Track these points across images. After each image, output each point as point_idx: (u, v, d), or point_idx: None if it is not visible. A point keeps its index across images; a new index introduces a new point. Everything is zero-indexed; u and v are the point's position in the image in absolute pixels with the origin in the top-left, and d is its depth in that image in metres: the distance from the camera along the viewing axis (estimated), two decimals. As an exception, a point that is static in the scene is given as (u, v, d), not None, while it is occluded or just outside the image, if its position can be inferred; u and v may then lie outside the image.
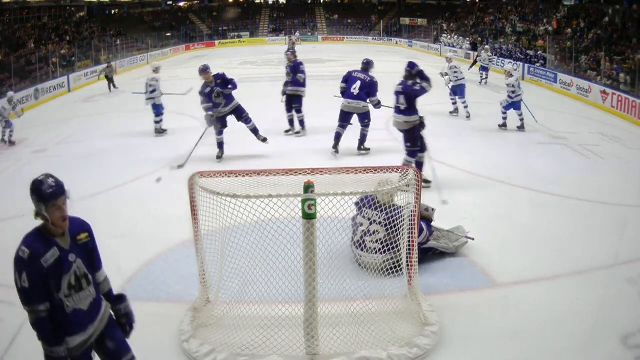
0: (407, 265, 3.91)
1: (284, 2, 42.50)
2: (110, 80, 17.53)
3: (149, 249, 4.88)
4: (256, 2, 42.44)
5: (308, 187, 3.20)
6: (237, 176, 3.63)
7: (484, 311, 3.92)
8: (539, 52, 19.30)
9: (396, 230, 3.93)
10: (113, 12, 35.60)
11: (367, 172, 3.73)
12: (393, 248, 3.99)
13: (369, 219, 4.45)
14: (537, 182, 6.74)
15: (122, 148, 8.89)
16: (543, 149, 8.61)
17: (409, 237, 3.87)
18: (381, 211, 4.30)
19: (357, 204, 4.51)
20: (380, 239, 4.28)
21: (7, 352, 3.46)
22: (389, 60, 23.49)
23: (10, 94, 11.16)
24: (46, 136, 10.20)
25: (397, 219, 3.94)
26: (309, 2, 42.13)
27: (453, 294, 4.14)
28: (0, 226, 5.61)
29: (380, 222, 4.33)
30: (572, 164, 7.80)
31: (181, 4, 40.93)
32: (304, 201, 3.18)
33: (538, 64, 17.97)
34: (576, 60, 16.41)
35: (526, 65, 17.82)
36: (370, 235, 4.37)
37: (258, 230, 3.61)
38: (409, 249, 3.89)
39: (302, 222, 3.22)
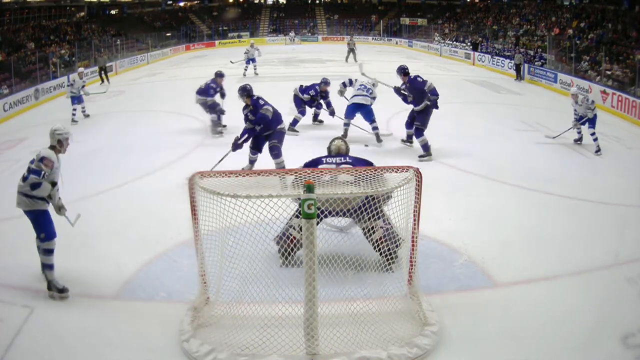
0: (408, 265, 3.91)
1: (284, 2, 42.50)
2: (104, 71, 17.90)
3: (149, 249, 4.87)
4: (256, 2, 42.43)
5: (308, 187, 3.20)
6: (237, 176, 3.63)
7: (484, 311, 3.92)
8: (539, 52, 19.32)
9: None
10: (113, 12, 35.57)
11: (367, 172, 3.74)
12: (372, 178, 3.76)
13: (335, 163, 4.49)
14: (537, 182, 6.73)
15: (122, 148, 8.88)
16: (543, 149, 8.60)
17: (410, 236, 3.86)
18: (343, 156, 4.62)
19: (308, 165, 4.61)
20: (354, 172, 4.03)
21: (7, 352, 3.46)
22: (390, 60, 23.53)
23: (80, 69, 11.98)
24: (46, 136, 10.16)
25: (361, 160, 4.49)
26: (309, 2, 42.12)
27: (453, 294, 4.14)
28: (0, 226, 5.60)
29: (348, 162, 4.47)
30: (572, 164, 7.80)
31: (181, 4, 40.91)
32: (303, 201, 3.18)
33: (538, 64, 17.98)
34: (576, 60, 16.42)
35: (526, 65, 17.83)
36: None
37: (258, 230, 3.62)
38: (409, 249, 3.88)
39: (302, 221, 3.22)
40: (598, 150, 8.34)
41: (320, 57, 24.89)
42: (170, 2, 40.47)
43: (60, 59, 19.03)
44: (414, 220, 3.81)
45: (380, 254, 4.29)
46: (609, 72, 14.72)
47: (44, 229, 4.18)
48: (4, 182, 7.28)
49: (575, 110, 8.70)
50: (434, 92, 7.64)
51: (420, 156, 7.68)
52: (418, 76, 7.86)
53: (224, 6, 41.19)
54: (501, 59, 20.32)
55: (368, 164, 4.54)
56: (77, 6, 31.19)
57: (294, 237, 4.30)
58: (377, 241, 4.34)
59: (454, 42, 26.78)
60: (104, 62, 18.61)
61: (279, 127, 6.69)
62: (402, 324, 3.62)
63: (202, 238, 3.75)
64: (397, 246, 4.30)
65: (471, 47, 24.23)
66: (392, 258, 4.24)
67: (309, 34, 37.09)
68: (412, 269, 3.90)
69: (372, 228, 4.33)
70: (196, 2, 41.36)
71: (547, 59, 18.33)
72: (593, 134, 8.41)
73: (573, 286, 4.27)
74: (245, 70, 17.68)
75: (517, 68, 17.62)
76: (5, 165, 8.05)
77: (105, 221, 5.63)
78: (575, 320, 3.76)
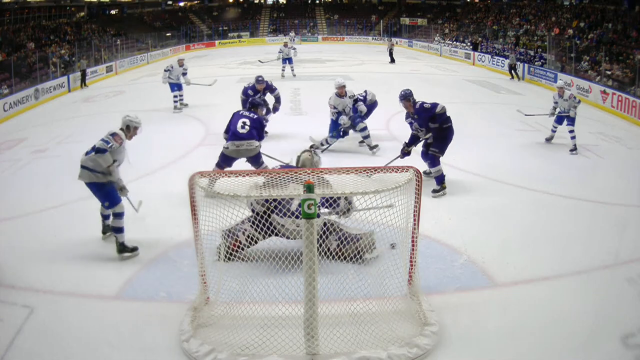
0: (408, 265, 3.91)
1: (284, 2, 42.50)
2: (83, 76, 17.52)
3: (149, 249, 4.87)
4: (256, 2, 42.43)
5: (308, 187, 3.20)
6: (237, 176, 3.63)
7: (484, 311, 3.92)
8: (539, 52, 19.33)
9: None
10: (113, 12, 35.57)
11: (367, 172, 3.74)
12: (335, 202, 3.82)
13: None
14: (537, 182, 6.74)
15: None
16: (543, 149, 8.60)
17: (410, 236, 3.86)
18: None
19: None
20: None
21: (7, 352, 3.46)
22: (389, 61, 23.47)
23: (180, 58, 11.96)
24: (46, 136, 10.19)
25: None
26: (309, 2, 42.13)
27: (453, 294, 4.13)
28: (0, 226, 5.60)
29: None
30: (572, 164, 7.80)
31: (181, 4, 40.92)
32: (303, 201, 3.17)
33: (538, 64, 17.98)
34: (576, 60, 16.42)
35: (526, 65, 17.84)
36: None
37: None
38: (409, 249, 3.88)
39: (302, 222, 3.22)
40: (574, 149, 8.21)
41: (320, 57, 24.89)
42: (170, 2, 40.48)
43: (60, 59, 19.00)
44: (414, 220, 3.81)
45: (345, 259, 4.27)
46: (609, 72, 14.71)
47: (108, 197, 4.67)
48: (4, 182, 7.29)
49: (556, 102, 8.55)
50: (443, 118, 6.26)
51: (434, 191, 6.25)
52: (424, 102, 6.41)
53: (224, 6, 41.21)
54: (501, 59, 20.31)
55: None
56: (77, 6, 31.19)
57: (239, 242, 4.33)
58: (334, 252, 4.38)
59: (454, 42, 26.80)
60: (84, 66, 17.89)
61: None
62: (402, 324, 3.62)
63: (202, 238, 3.76)
64: (363, 242, 4.37)
65: (471, 47, 24.24)
66: (360, 254, 4.33)
67: (309, 34, 37.09)
68: (412, 269, 3.90)
69: (325, 245, 4.24)
70: (196, 2, 41.37)
71: (547, 59, 18.33)
72: (572, 131, 8.26)
73: (573, 286, 4.27)
74: (283, 70, 16.45)
75: (511, 68, 17.66)
76: (5, 165, 8.05)
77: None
78: (575, 320, 3.76)
